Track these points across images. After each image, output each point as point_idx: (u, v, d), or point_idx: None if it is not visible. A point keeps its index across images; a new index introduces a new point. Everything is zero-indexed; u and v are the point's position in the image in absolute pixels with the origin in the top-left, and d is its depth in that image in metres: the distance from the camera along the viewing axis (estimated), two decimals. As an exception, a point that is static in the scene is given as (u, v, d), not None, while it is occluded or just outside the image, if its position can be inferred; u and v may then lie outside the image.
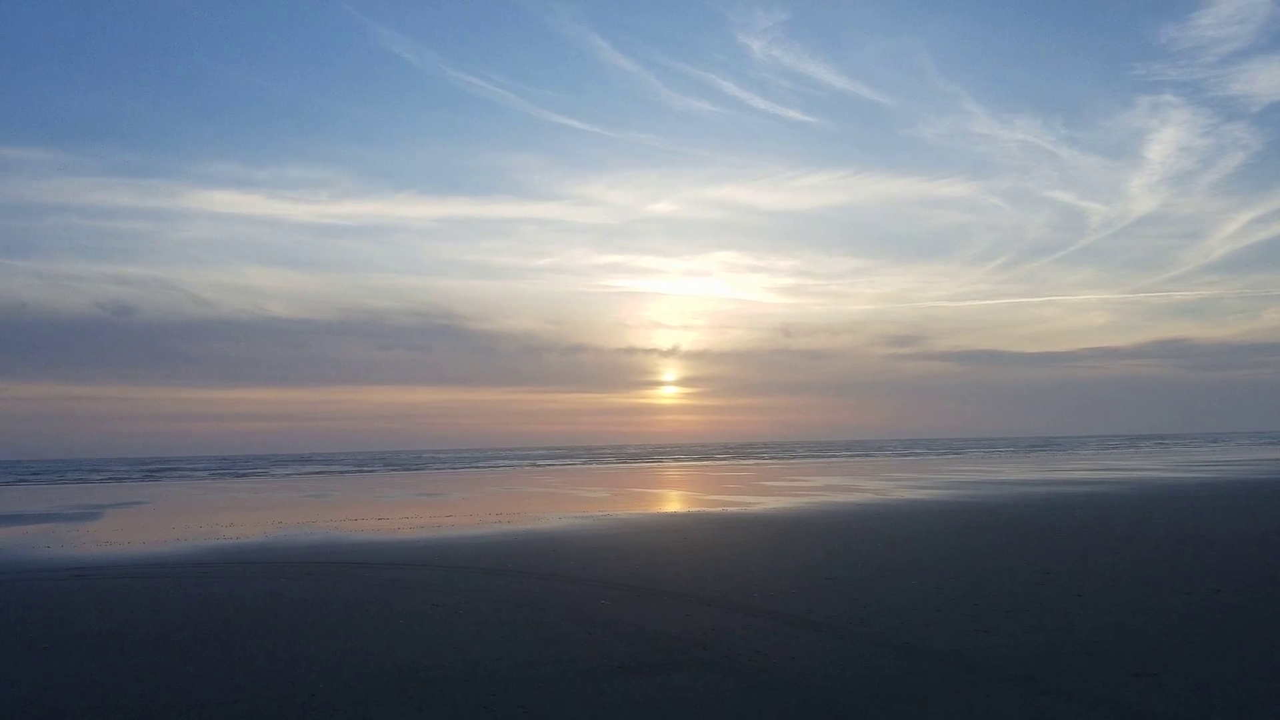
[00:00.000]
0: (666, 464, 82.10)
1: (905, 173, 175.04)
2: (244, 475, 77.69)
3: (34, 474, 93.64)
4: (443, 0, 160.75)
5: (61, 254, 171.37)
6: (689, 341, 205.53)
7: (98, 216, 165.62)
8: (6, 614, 12.28)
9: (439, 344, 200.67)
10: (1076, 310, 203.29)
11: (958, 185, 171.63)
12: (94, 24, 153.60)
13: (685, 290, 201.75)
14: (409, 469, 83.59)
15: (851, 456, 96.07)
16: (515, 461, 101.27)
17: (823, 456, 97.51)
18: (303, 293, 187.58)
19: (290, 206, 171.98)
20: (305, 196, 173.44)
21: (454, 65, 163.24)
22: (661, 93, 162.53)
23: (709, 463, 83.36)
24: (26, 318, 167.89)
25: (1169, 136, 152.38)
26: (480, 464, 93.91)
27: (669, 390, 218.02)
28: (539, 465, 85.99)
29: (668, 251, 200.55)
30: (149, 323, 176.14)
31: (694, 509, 28.58)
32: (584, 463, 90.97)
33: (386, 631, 10.54)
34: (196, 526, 25.54)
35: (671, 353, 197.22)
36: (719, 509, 28.08)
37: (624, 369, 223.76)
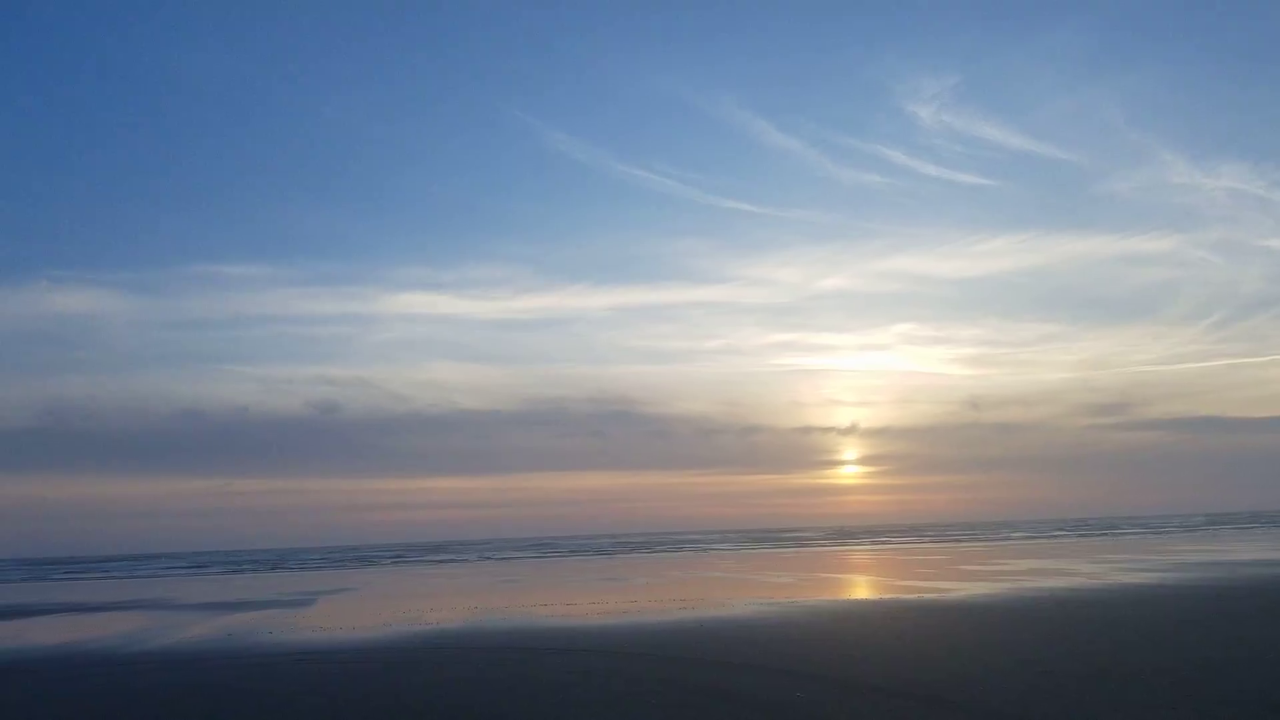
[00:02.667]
0: (851, 547, 79.38)
1: (1098, 231, 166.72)
2: (440, 561, 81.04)
3: (253, 562, 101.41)
4: (609, 100, 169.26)
5: (276, 359, 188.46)
6: (869, 418, 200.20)
7: (305, 323, 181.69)
8: (240, 698, 13.24)
9: (615, 429, 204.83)
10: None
11: (1159, 240, 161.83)
12: (293, 149, 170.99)
13: (862, 365, 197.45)
14: (590, 554, 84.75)
15: (1055, 536, 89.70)
16: (694, 545, 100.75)
17: (1023, 537, 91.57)
18: (488, 385, 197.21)
19: (474, 304, 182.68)
20: (487, 294, 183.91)
21: (621, 160, 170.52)
22: (827, 168, 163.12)
23: (897, 545, 79.98)
24: (248, 419, 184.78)
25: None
26: (659, 548, 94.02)
27: (850, 469, 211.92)
28: (718, 549, 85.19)
29: (842, 327, 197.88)
30: (352, 419, 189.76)
31: (886, 595, 27.45)
32: (765, 546, 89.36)
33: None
34: (400, 612, 26.80)
35: (851, 430, 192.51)
36: (914, 595, 26.83)
37: (801, 449, 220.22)
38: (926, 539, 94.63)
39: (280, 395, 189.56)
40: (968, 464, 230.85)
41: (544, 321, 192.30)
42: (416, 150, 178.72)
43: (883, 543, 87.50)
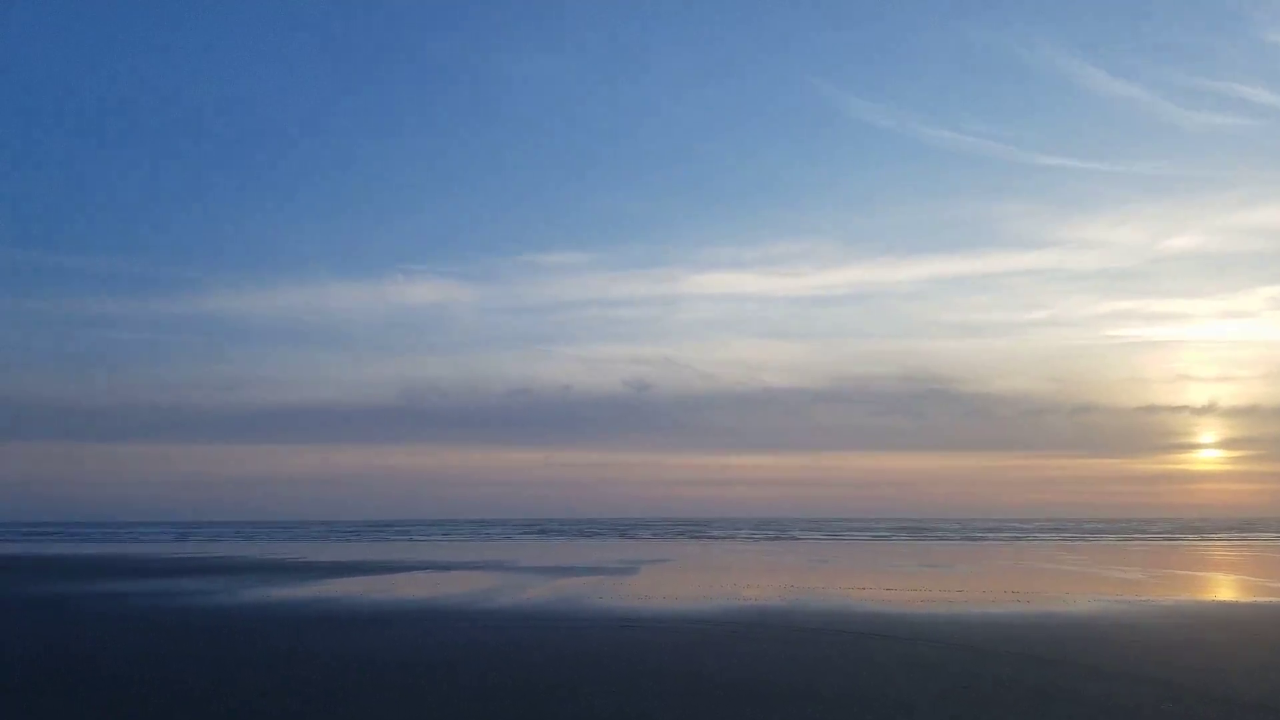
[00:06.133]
0: (1212, 541, 70.14)
1: None
2: (750, 538, 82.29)
3: (576, 529, 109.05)
4: (913, 61, 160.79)
5: (593, 340, 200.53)
6: (1230, 396, 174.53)
7: (618, 305, 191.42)
8: (576, 658, 14.06)
9: (930, 408, 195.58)
10: None
11: None
12: (605, 140, 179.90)
13: (1221, 335, 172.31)
14: (904, 537, 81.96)
15: None
16: (1019, 533, 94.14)
17: None
18: (794, 362, 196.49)
19: (778, 281, 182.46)
20: (790, 270, 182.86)
21: (928, 122, 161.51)
22: (1170, 113, 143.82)
23: (1272, 541, 69.50)
24: (571, 397, 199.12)
25: None
26: (980, 535, 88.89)
27: (1206, 454, 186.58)
28: (1047, 539, 78.94)
29: (1194, 292, 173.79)
30: (663, 397, 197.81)
31: (1263, 598, 23.81)
32: (1103, 537, 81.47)
33: (916, 712, 10.11)
34: (718, 586, 27.37)
35: (1207, 410, 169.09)
36: (1299, 601, 23.05)
37: (1144, 430, 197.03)
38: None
39: (598, 374, 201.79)
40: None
41: (850, 296, 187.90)
42: (717, 131, 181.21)
43: (1253, 538, 76.49)
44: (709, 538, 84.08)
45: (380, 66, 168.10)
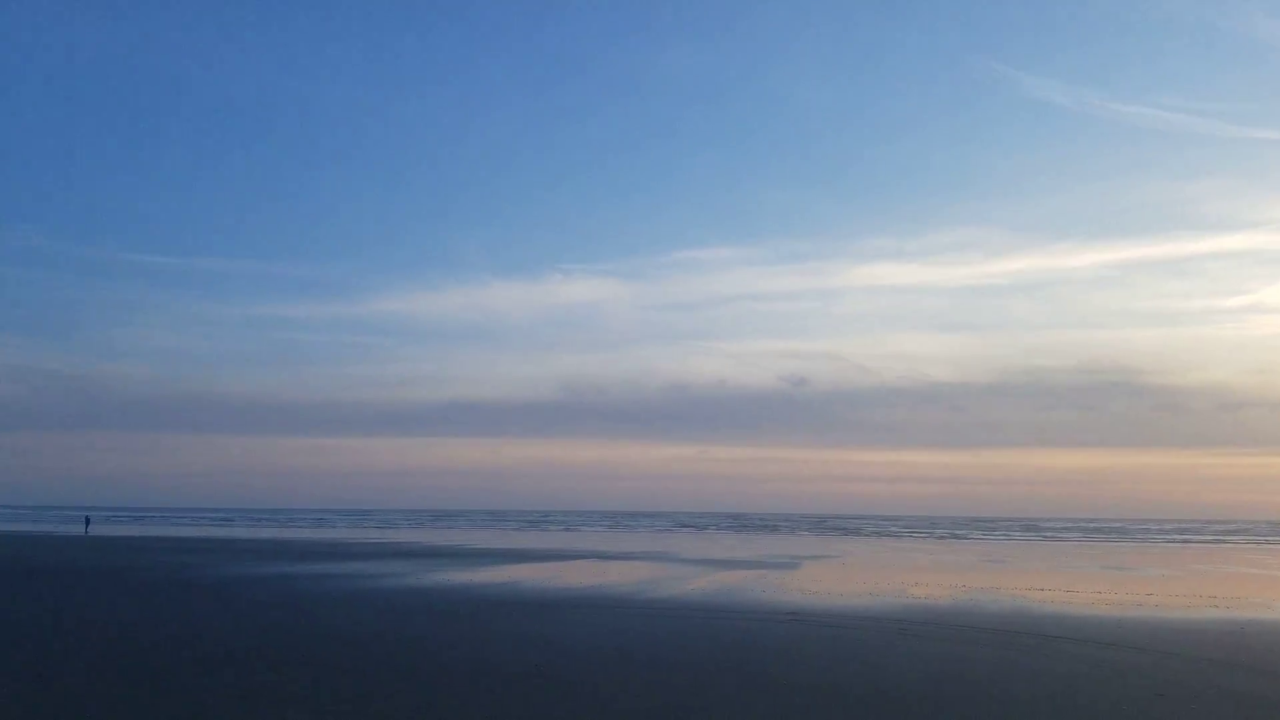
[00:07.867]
0: None
1: None
2: (912, 535, 79.98)
3: (734, 524, 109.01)
4: (1095, 33, 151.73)
5: (748, 335, 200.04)
6: None
7: (773, 300, 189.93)
8: (742, 648, 14.12)
9: (1111, 402, 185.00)
10: None
11: None
12: (755, 132, 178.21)
13: None
14: (1082, 538, 77.61)
15: None
16: (1215, 535, 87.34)
17: None
18: (960, 355, 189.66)
19: (943, 271, 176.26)
20: (957, 259, 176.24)
21: (1111, 97, 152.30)
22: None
23: None
24: (725, 392, 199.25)
25: None
26: (1168, 537, 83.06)
27: None
28: (1245, 542, 72.89)
29: None
30: (821, 392, 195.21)
31: None
32: (1313, 542, 74.46)
33: (1112, 718, 9.63)
34: (885, 583, 26.79)
35: None
36: None
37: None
38: None
39: (753, 369, 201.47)
40: None
41: (1022, 285, 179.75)
42: (871, 116, 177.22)
43: None
44: (869, 534, 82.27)
45: (536, 73, 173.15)
